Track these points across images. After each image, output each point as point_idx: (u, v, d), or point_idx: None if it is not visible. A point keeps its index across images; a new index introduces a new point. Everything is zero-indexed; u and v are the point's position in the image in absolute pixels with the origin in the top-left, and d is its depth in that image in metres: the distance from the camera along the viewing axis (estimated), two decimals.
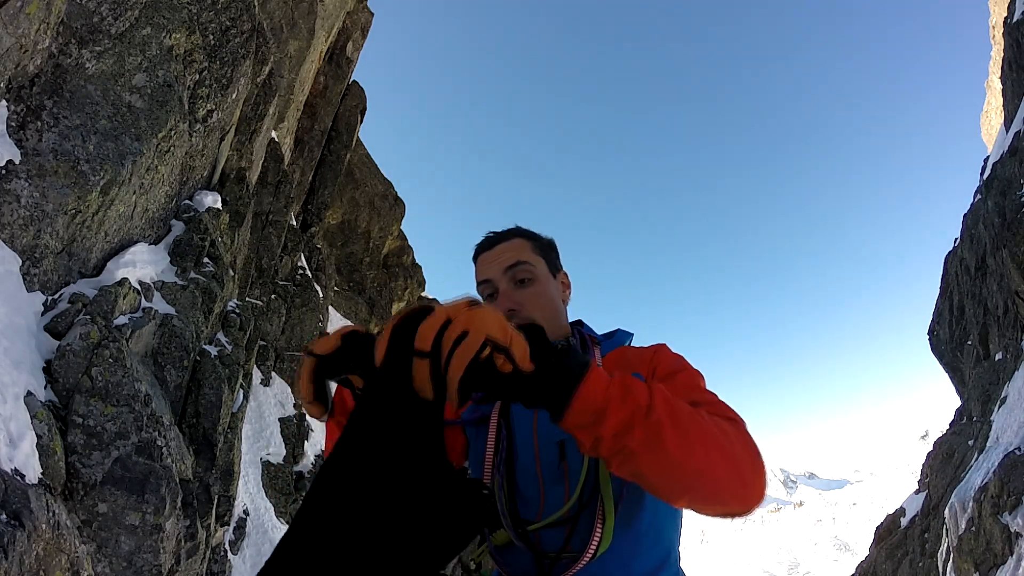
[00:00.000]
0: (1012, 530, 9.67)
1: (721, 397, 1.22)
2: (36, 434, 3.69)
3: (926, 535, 15.11)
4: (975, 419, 16.09)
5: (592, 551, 1.20)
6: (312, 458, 10.42)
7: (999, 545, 9.92)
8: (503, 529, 1.31)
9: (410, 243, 20.37)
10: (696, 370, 1.29)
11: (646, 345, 1.40)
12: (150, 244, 6.11)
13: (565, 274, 1.55)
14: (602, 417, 0.92)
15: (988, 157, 23.04)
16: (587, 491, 1.24)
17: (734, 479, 1.02)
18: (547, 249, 1.49)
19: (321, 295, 13.50)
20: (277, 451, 9.68)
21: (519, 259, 1.40)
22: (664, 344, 1.36)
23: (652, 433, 0.94)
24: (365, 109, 17.88)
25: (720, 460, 1.01)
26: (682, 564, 1.38)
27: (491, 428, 1.40)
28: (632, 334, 1.47)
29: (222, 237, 7.21)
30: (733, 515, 1.05)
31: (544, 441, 1.33)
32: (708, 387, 1.28)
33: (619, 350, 1.40)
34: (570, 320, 1.52)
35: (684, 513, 1.35)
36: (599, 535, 1.20)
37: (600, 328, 1.59)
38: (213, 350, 6.38)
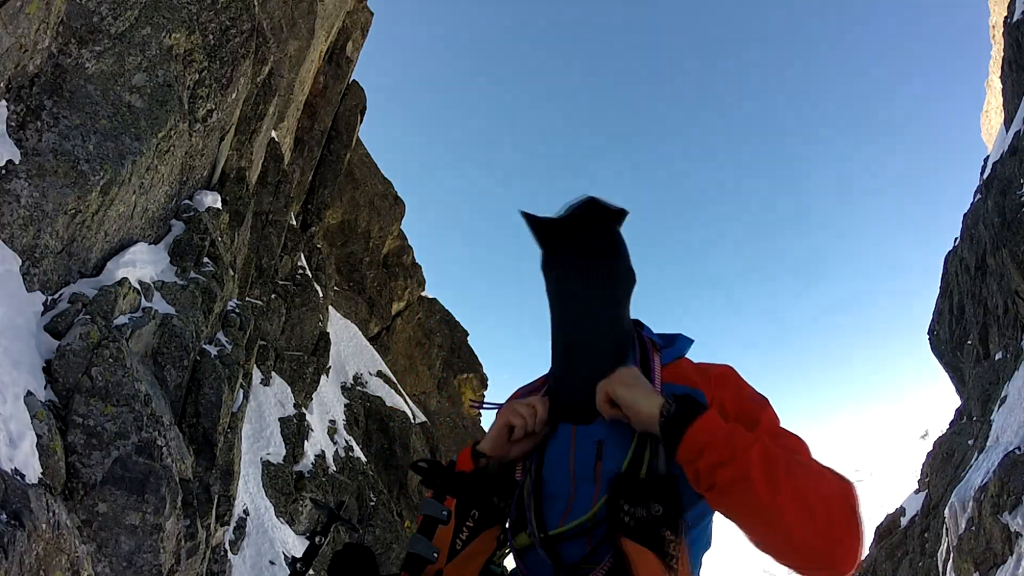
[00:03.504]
0: (1012, 530, 9.67)
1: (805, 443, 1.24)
2: (36, 434, 3.69)
3: (926, 535, 15.11)
4: (975, 419, 16.08)
5: (610, 565, 1.19)
6: (312, 458, 10.42)
7: (999, 545, 9.92)
8: (525, 532, 1.31)
9: (410, 243, 20.38)
10: (772, 408, 1.29)
11: (708, 362, 1.39)
12: (150, 244, 6.11)
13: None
14: (702, 453, 1.12)
15: (988, 157, 23.02)
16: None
17: (822, 537, 1.06)
18: None
19: (321, 295, 13.50)
20: (277, 451, 9.68)
21: None
22: (731, 368, 1.36)
23: (741, 472, 1.09)
24: (365, 109, 17.88)
25: (810, 515, 1.06)
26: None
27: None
28: (692, 341, 1.47)
29: (222, 237, 7.21)
30: None
31: (583, 437, 1.33)
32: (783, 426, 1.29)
33: (677, 363, 1.40)
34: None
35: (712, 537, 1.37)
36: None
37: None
38: (213, 350, 6.38)
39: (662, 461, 1.19)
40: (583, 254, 1.38)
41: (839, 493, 1.09)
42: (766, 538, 1.10)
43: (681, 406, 1.17)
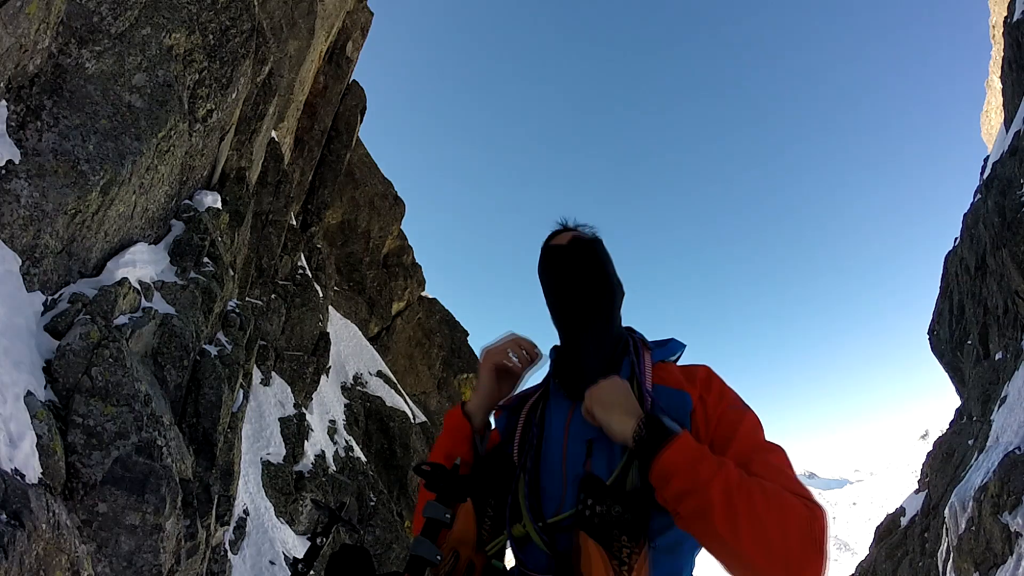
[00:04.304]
0: (1012, 530, 9.67)
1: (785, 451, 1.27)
2: (36, 434, 3.68)
3: (926, 535, 15.11)
4: (975, 419, 16.08)
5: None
6: (312, 458, 10.42)
7: (999, 545, 9.92)
8: (520, 524, 1.36)
9: (410, 243, 20.37)
10: (752, 414, 1.34)
11: (690, 364, 1.47)
12: (150, 244, 6.11)
13: None
14: (668, 482, 1.17)
15: (988, 157, 23.03)
16: None
17: (782, 569, 1.08)
18: None
19: (321, 295, 13.50)
20: (277, 451, 9.67)
21: None
22: (710, 369, 1.43)
23: (701, 505, 1.13)
24: (365, 109, 17.87)
25: (768, 550, 1.09)
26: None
27: (519, 426, 1.48)
28: (684, 346, 1.54)
29: (222, 237, 7.21)
30: None
31: (574, 438, 1.40)
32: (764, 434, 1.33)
33: (666, 364, 1.48)
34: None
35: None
36: None
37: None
38: (213, 350, 6.38)
39: (636, 475, 1.27)
40: (568, 277, 1.49)
41: (801, 523, 1.11)
42: (730, 568, 1.15)
43: (651, 433, 1.21)
